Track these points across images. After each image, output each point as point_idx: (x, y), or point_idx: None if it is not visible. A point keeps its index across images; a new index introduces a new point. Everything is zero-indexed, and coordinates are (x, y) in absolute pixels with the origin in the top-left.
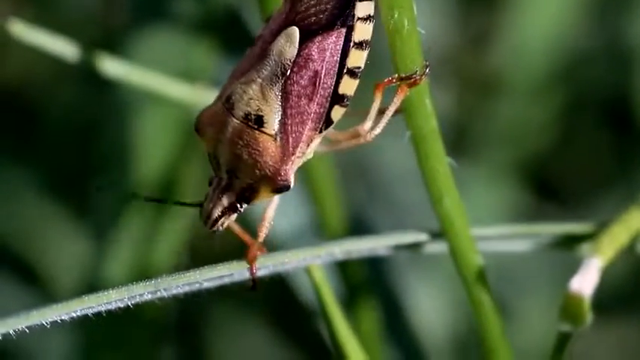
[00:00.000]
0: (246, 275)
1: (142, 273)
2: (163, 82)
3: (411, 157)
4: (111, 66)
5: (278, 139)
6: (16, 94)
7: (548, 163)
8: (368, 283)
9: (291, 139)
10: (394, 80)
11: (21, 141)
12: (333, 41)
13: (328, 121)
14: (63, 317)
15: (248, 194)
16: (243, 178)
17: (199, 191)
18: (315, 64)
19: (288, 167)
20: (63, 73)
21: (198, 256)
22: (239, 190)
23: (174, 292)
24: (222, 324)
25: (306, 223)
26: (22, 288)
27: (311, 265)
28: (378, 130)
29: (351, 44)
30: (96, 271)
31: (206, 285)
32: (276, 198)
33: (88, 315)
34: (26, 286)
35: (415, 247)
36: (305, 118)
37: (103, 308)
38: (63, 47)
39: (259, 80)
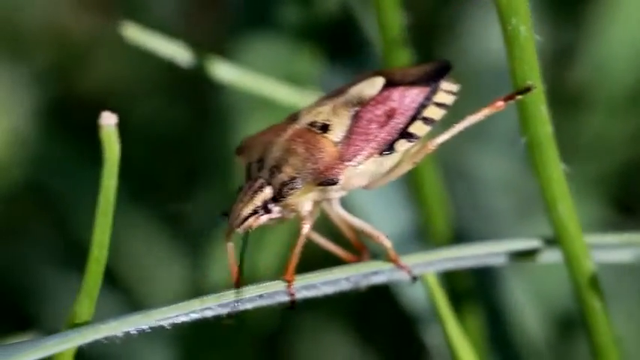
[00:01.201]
0: (356, 283)
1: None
2: (273, 86)
3: (499, 163)
4: (223, 70)
5: (339, 146)
6: (101, 102)
7: (633, 178)
8: (472, 290)
9: (350, 150)
10: (514, 97)
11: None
12: (416, 93)
13: (391, 149)
14: (163, 323)
15: (287, 189)
16: (287, 171)
17: None
18: (393, 103)
19: (341, 167)
20: (146, 82)
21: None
22: (278, 185)
23: (263, 302)
24: (311, 330)
25: (409, 228)
26: (116, 303)
27: (425, 272)
28: (442, 139)
29: (431, 102)
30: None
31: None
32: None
33: (182, 324)
34: (119, 299)
35: (527, 254)
36: (370, 139)
37: (198, 315)
38: (175, 51)
39: (332, 103)
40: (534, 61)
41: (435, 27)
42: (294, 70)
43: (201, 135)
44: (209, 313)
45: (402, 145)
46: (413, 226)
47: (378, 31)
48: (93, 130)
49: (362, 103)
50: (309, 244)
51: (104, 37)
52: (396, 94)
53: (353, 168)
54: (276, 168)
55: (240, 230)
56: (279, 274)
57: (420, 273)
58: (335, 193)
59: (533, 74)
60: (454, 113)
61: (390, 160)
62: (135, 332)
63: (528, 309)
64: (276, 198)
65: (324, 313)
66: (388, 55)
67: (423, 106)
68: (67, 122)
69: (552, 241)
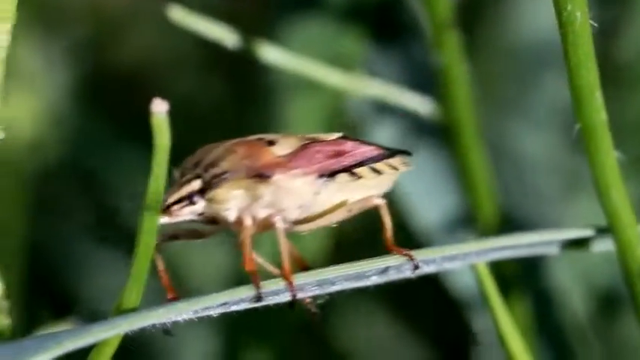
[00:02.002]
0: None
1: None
2: (318, 68)
3: (540, 142)
4: (269, 51)
5: (281, 158)
6: (136, 78)
7: None
8: (518, 274)
9: (290, 162)
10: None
11: (139, 125)
12: (370, 149)
13: (330, 177)
14: (212, 312)
15: (216, 180)
16: (222, 166)
17: None
18: (345, 146)
19: (276, 167)
20: (182, 59)
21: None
22: (209, 177)
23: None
24: (353, 317)
25: (456, 214)
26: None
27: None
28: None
29: (383, 160)
30: (234, 271)
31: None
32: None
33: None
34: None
35: (579, 243)
36: (313, 161)
37: (247, 304)
38: (221, 33)
39: (286, 135)
40: (590, 47)
41: (481, 7)
42: (339, 52)
43: (242, 115)
44: (260, 303)
45: (343, 179)
46: (459, 211)
47: (425, 11)
48: (127, 107)
49: (315, 140)
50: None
51: (140, 12)
52: (351, 143)
53: (287, 179)
54: (212, 165)
55: (163, 219)
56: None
57: (471, 262)
58: (263, 200)
59: (588, 61)
60: (491, 94)
61: (326, 193)
62: (182, 320)
63: (573, 291)
64: (204, 189)
65: (367, 298)
66: (437, 37)
67: (373, 159)
68: (101, 98)
69: (604, 229)
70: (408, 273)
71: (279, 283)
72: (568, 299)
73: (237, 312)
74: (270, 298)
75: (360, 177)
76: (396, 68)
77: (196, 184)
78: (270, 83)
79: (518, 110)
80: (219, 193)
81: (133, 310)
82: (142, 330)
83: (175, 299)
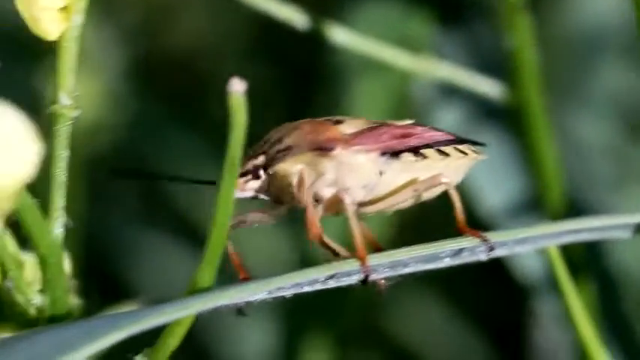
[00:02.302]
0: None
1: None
2: (387, 50)
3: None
4: (338, 33)
5: (346, 136)
6: (186, 61)
7: None
8: (584, 257)
9: (355, 140)
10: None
11: (192, 109)
12: (440, 135)
13: (395, 156)
14: (285, 293)
15: (280, 154)
16: (286, 142)
17: None
18: (413, 130)
19: (339, 141)
20: (228, 43)
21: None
22: (273, 152)
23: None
24: (406, 301)
25: (522, 198)
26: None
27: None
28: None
29: (452, 146)
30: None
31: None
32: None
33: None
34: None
35: None
36: (378, 140)
37: (321, 286)
38: (290, 14)
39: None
40: None
41: None
42: (406, 34)
43: (303, 97)
44: (332, 283)
45: (407, 158)
46: (525, 196)
47: None
48: (181, 90)
49: (384, 124)
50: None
51: None
52: (420, 127)
53: (349, 154)
54: (277, 141)
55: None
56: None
57: (541, 246)
58: (326, 177)
59: None
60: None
61: (390, 173)
62: (255, 300)
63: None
64: (268, 164)
65: (418, 282)
66: (508, 19)
67: (440, 143)
68: (154, 82)
69: None
70: (482, 256)
71: (353, 264)
72: (633, 283)
73: (296, 297)
74: (344, 279)
75: (425, 157)
76: (463, 51)
77: (261, 159)
78: (334, 65)
79: (575, 95)
80: (282, 166)
81: (207, 290)
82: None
83: (247, 279)
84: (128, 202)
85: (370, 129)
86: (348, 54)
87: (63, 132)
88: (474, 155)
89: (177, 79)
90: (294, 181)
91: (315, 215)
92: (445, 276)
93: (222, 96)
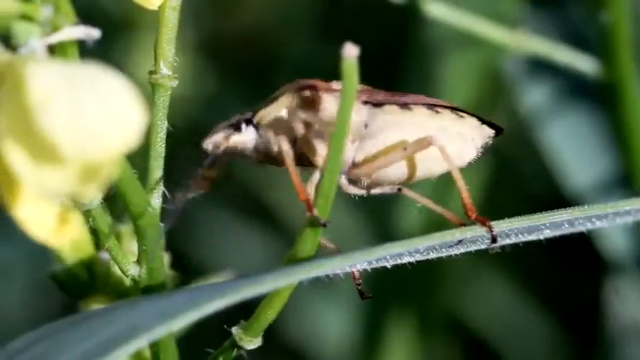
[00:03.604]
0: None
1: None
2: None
3: None
4: (434, 7)
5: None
6: (253, 40)
7: None
8: None
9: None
10: None
11: (257, 87)
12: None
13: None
14: (386, 263)
15: (267, 101)
16: (273, 95)
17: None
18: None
19: (327, 90)
20: (293, 22)
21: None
22: (259, 106)
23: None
24: (472, 281)
25: (611, 174)
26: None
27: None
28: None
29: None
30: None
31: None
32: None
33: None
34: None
35: None
36: (364, 94)
37: (421, 257)
38: None
39: None
40: None
41: None
42: (497, 9)
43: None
44: (432, 255)
45: (391, 109)
46: (614, 172)
47: None
48: (245, 68)
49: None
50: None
51: None
52: (419, 96)
53: (332, 99)
54: (266, 98)
55: (207, 146)
56: None
57: (631, 221)
58: (313, 128)
59: None
60: None
61: (375, 124)
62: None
63: None
64: (254, 114)
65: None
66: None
67: (429, 102)
68: (224, 58)
69: None
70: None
71: (476, 230)
72: None
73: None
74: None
75: (410, 109)
76: (554, 26)
77: (248, 114)
78: (423, 41)
79: None
80: (266, 112)
81: (307, 259)
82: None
83: (308, 201)
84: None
85: (361, 89)
86: (432, 30)
87: (162, 102)
88: (475, 123)
89: (247, 55)
90: (279, 131)
91: (298, 177)
92: (514, 257)
93: (291, 71)
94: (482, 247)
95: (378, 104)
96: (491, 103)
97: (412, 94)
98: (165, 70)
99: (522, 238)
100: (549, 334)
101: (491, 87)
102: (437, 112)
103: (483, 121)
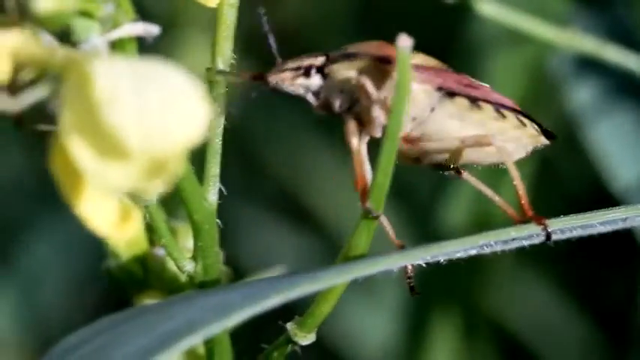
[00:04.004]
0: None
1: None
2: (529, 22)
3: None
4: (484, 4)
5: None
6: (292, 36)
7: None
8: None
9: (422, 70)
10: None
11: None
12: (512, 102)
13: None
14: (460, 254)
15: (340, 56)
16: (350, 49)
17: None
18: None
19: None
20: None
21: None
22: (334, 56)
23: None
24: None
25: None
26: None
27: None
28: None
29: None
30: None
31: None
32: None
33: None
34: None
35: None
36: (440, 76)
37: (487, 250)
38: None
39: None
40: None
41: None
42: (546, 8)
43: None
44: (487, 250)
45: (461, 102)
46: None
47: None
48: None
49: (456, 73)
50: None
51: None
52: (491, 91)
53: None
54: (343, 49)
55: (272, 80)
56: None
57: None
58: (379, 94)
59: None
60: None
61: (441, 112)
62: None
63: None
64: (325, 64)
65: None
66: None
67: (499, 103)
68: (258, 57)
69: None
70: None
71: (531, 228)
72: None
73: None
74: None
75: (480, 108)
76: (601, 25)
77: (320, 60)
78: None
79: None
80: (338, 67)
81: (361, 256)
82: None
83: (364, 191)
84: (229, 175)
85: (438, 69)
86: (479, 28)
87: (219, 98)
88: (533, 132)
89: (284, 52)
90: (345, 89)
91: (362, 168)
92: (549, 256)
93: None
94: (536, 242)
95: (450, 94)
96: (537, 101)
97: (483, 86)
98: (221, 66)
99: (575, 234)
100: (585, 333)
101: (538, 85)
102: (503, 115)
103: (542, 129)
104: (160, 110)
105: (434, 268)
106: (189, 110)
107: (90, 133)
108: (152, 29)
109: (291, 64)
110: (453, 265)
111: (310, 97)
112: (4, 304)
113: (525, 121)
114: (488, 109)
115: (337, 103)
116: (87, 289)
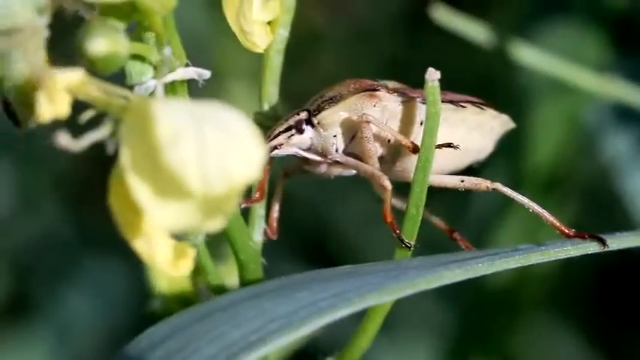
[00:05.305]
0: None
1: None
2: (571, 71)
3: None
4: (525, 52)
5: (391, 87)
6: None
7: None
8: None
9: (398, 90)
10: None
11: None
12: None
13: None
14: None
15: (324, 103)
16: (329, 94)
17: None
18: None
19: (387, 90)
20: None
21: None
22: (316, 105)
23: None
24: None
25: None
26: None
27: None
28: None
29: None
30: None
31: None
32: None
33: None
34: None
35: None
36: (417, 92)
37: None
38: (477, 32)
39: None
40: None
41: None
42: (583, 57)
43: None
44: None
45: (445, 107)
46: None
47: None
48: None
49: None
50: None
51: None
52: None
53: (394, 98)
54: (320, 97)
55: (268, 149)
56: None
57: None
58: (372, 112)
59: None
60: None
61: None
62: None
63: None
64: (312, 114)
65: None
66: None
67: (473, 101)
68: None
69: None
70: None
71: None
72: None
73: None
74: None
75: (463, 107)
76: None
77: (304, 114)
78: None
79: None
80: (328, 113)
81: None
82: None
83: (392, 224)
84: None
85: (411, 88)
86: (518, 77)
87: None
88: (494, 112)
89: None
90: (338, 132)
91: (389, 203)
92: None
93: None
94: (591, 251)
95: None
96: (575, 150)
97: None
98: (266, 107)
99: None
100: None
101: (576, 135)
102: (482, 109)
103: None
104: (220, 151)
105: (468, 315)
106: (247, 151)
107: (149, 171)
108: (204, 73)
109: (280, 128)
110: (487, 312)
111: (306, 154)
112: (40, 353)
113: (483, 107)
114: (469, 106)
115: (333, 148)
116: (121, 339)
